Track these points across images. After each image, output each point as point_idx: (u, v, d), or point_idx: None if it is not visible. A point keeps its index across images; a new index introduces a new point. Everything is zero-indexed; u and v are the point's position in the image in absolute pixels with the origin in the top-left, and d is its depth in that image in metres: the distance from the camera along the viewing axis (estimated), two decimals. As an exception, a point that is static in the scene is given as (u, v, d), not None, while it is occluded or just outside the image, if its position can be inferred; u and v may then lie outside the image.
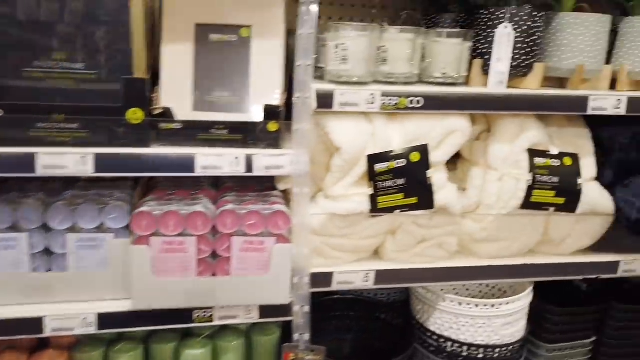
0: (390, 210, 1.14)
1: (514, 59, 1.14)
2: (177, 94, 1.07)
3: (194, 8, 1.08)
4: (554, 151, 1.21)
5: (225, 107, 1.08)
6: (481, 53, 1.18)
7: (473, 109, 1.13)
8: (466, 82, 1.20)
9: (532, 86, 1.18)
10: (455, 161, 1.29)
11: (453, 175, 1.30)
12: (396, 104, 1.09)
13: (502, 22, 1.13)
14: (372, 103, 1.08)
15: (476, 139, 1.26)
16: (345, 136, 1.08)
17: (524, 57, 1.15)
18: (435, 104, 1.11)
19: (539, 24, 1.14)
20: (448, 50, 1.14)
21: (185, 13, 1.07)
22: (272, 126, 1.07)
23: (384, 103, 1.08)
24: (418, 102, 1.10)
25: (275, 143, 1.08)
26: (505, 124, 1.20)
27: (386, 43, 1.11)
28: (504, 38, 1.13)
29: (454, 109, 1.12)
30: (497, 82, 1.14)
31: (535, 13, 1.13)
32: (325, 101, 1.06)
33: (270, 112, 1.06)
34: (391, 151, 1.11)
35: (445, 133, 1.13)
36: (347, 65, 1.05)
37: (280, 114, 1.07)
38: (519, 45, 1.14)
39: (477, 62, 1.17)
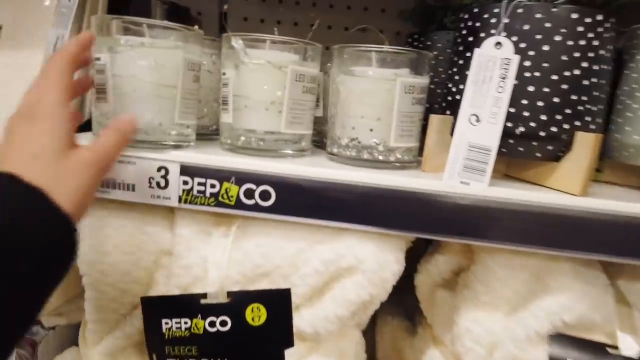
0: (201, 420, 0.52)
1: (521, 118, 0.48)
2: None
3: None
4: (627, 345, 0.49)
5: None
6: (451, 102, 0.53)
7: (400, 227, 0.48)
8: (417, 161, 0.56)
9: (564, 185, 0.49)
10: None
11: (407, 348, 0.63)
12: (215, 194, 0.49)
13: (492, 35, 0.48)
14: (164, 187, 0.50)
15: (441, 284, 0.59)
16: (90, 251, 0.51)
17: (550, 117, 0.48)
18: (305, 203, 0.49)
19: (589, 45, 0.47)
20: (366, 93, 0.52)
21: None
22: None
23: (187, 190, 0.50)
24: (264, 195, 0.49)
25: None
26: (496, 266, 0.52)
27: (227, 68, 0.53)
28: (491, 68, 0.48)
29: (349, 219, 0.49)
30: (466, 169, 0.48)
31: (579, 16, 0.47)
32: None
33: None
34: (202, 295, 0.51)
35: (330, 272, 0.50)
36: (106, 103, 0.50)
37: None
38: (533, 89, 0.48)
39: (440, 122, 0.53)
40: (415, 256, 0.58)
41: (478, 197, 0.47)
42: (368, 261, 0.49)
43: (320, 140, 0.67)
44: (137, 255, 0.51)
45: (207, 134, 0.63)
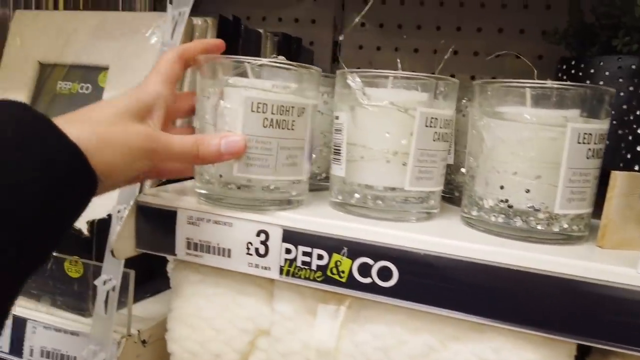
0: None
1: None
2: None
3: (40, 37, 0.63)
4: None
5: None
6: (645, 155, 0.39)
7: (572, 330, 0.35)
8: (588, 232, 0.41)
9: None
10: None
11: None
12: (323, 267, 0.40)
13: None
14: (263, 255, 0.42)
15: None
16: (181, 323, 0.44)
17: None
18: (438, 287, 0.37)
19: None
20: (522, 142, 0.39)
21: (27, 45, 0.63)
22: (73, 268, 0.51)
23: (290, 260, 0.41)
24: (384, 273, 0.38)
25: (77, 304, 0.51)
26: None
27: (341, 111, 0.44)
28: None
29: (498, 314, 0.36)
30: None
31: None
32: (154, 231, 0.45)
33: (67, 238, 0.51)
34: (304, 390, 0.41)
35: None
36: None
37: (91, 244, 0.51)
38: None
39: (627, 181, 0.39)
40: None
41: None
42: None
43: (449, 192, 0.55)
44: (231, 332, 0.44)
45: (315, 184, 0.54)
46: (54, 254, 0.52)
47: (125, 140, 0.35)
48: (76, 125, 0.32)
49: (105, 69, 0.58)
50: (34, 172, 0.29)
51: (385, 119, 0.42)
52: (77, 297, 0.51)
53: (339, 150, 0.44)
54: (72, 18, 0.61)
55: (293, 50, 0.79)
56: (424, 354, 0.39)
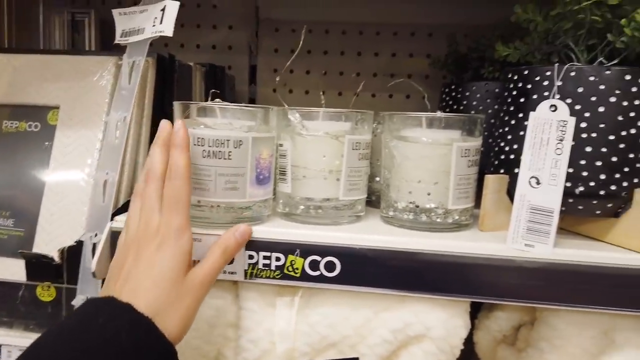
0: None
1: (580, 178, 0.49)
2: None
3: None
4: None
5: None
6: (505, 161, 0.54)
7: (466, 292, 0.49)
8: (472, 220, 0.56)
9: (625, 242, 0.49)
10: None
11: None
12: (281, 267, 0.50)
13: (546, 98, 0.50)
14: (230, 262, 0.51)
15: (501, 340, 0.59)
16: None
17: (609, 176, 0.49)
18: (370, 272, 0.49)
19: (647, 100, 0.48)
20: (423, 158, 0.53)
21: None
22: (45, 292, 0.56)
23: (253, 264, 0.51)
24: (330, 266, 0.50)
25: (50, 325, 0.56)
26: (562, 325, 0.51)
27: (284, 140, 0.54)
28: (548, 131, 0.48)
29: (415, 287, 0.49)
30: (529, 231, 0.49)
31: (632, 77, 0.48)
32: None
33: (39, 266, 0.56)
34: (271, 367, 0.51)
35: (399, 341, 0.50)
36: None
37: (62, 269, 0.56)
38: (590, 150, 0.48)
39: (496, 182, 0.54)
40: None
41: (543, 260, 0.48)
42: (437, 328, 0.49)
43: (367, 196, 0.68)
44: (205, 329, 0.52)
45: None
46: (25, 282, 0.56)
47: (198, 303, 0.44)
48: (171, 312, 0.41)
49: (54, 108, 0.63)
50: None
51: (321, 145, 0.53)
52: (51, 318, 0.56)
53: (285, 171, 0.55)
54: (13, 60, 0.65)
55: (218, 78, 0.88)
56: (363, 325, 0.51)
